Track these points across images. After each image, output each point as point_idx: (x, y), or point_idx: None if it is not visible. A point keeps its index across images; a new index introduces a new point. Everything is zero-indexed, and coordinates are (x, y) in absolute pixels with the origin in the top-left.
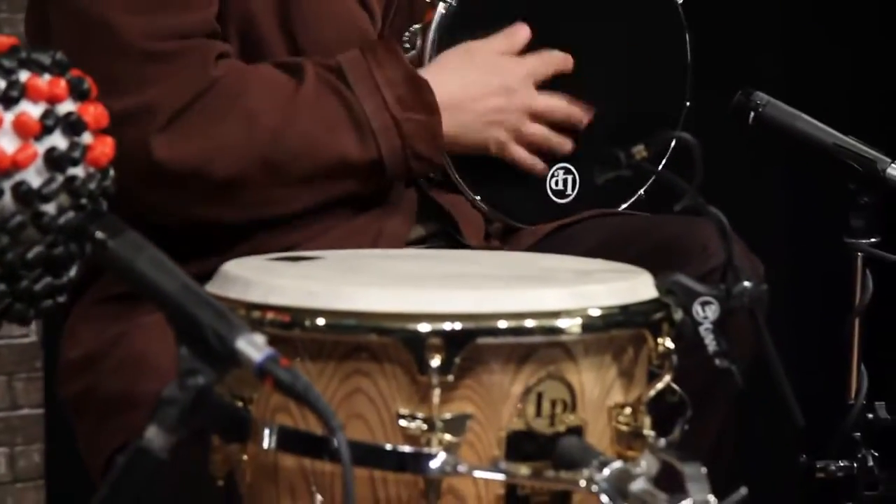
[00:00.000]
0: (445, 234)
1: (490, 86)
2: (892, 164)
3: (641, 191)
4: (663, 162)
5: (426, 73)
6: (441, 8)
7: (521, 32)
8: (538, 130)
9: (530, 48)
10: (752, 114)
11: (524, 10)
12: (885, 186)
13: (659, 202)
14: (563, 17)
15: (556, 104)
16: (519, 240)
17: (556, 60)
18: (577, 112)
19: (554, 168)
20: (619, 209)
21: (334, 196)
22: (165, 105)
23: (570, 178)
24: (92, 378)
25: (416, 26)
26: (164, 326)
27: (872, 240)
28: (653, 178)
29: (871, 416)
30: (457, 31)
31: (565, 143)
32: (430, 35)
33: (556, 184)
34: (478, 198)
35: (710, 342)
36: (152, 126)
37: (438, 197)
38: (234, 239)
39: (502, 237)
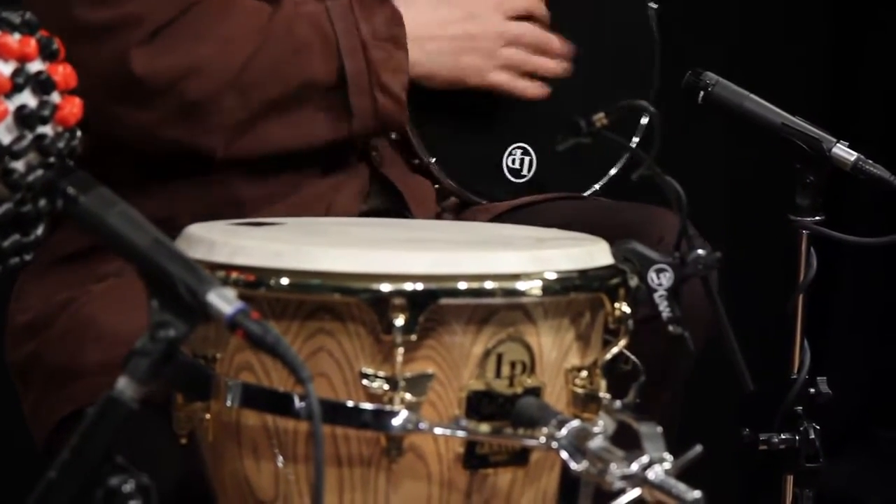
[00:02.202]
0: (395, 212)
1: (454, 14)
2: (838, 144)
3: (597, 185)
4: (636, 140)
5: (401, 5)
6: None
7: None
8: (515, 54)
9: None
10: (702, 93)
11: None
12: (830, 165)
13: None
14: None
15: (529, 28)
16: (473, 217)
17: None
18: (551, 38)
19: (512, 146)
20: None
21: (302, 130)
22: (148, 19)
23: (527, 158)
24: (38, 344)
25: None
26: (114, 294)
27: (817, 218)
28: (610, 174)
29: (812, 390)
30: None
31: (546, 63)
32: None
33: (513, 162)
34: (432, 160)
35: (664, 309)
36: (133, 38)
37: (390, 174)
38: (188, 188)
39: (456, 215)
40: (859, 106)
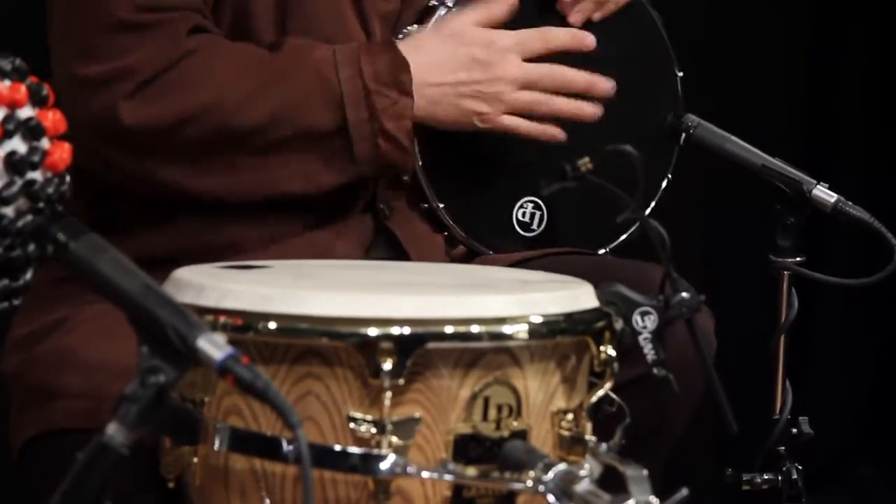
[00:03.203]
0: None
1: (458, 58)
2: (818, 186)
3: (608, 247)
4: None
5: (407, 51)
6: (441, 10)
7: (500, 3)
8: (530, 97)
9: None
10: (684, 135)
11: (518, 16)
12: (810, 207)
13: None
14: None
15: (549, 70)
16: None
17: (551, 36)
18: (577, 79)
19: (523, 199)
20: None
21: (304, 177)
22: (136, 72)
23: (538, 213)
24: (25, 360)
25: (413, 26)
26: (104, 320)
27: (798, 259)
28: (624, 235)
29: (795, 430)
30: None
31: (567, 106)
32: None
33: (524, 215)
34: (441, 205)
35: (649, 351)
36: (121, 92)
37: (396, 229)
38: (190, 230)
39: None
40: (840, 146)
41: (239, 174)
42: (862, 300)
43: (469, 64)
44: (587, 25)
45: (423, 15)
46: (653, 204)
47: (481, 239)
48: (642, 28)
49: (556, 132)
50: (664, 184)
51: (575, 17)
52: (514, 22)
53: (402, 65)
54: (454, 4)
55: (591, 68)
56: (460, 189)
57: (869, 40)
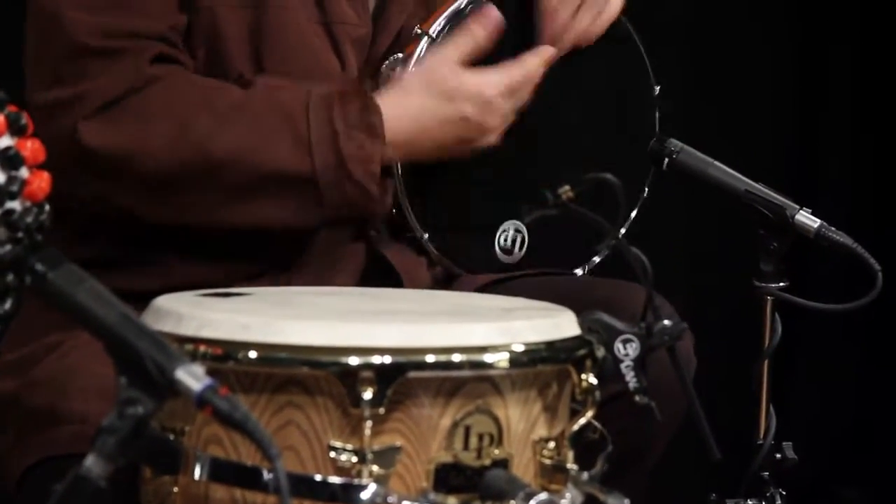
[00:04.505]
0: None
1: (448, 117)
2: (801, 211)
3: (586, 267)
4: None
5: (385, 104)
6: (424, 42)
7: (482, 25)
8: (509, 119)
9: None
10: (666, 160)
11: (503, 46)
12: (793, 232)
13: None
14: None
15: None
16: (457, 288)
17: (529, 67)
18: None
19: (505, 223)
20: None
21: (268, 217)
22: (96, 95)
23: (519, 237)
24: (19, 385)
25: (398, 55)
26: (98, 344)
27: (781, 284)
28: (602, 254)
29: (779, 455)
30: None
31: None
32: (409, 67)
33: (505, 240)
34: (425, 235)
35: (631, 379)
36: (80, 114)
37: (387, 254)
38: (181, 261)
39: (442, 284)
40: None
41: (196, 209)
42: (846, 324)
43: (458, 121)
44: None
45: (407, 44)
46: (624, 227)
47: (464, 265)
48: (623, 50)
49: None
50: (634, 212)
51: (561, 45)
52: (495, 55)
53: (373, 109)
54: (437, 36)
55: (568, 94)
56: (443, 217)
57: (855, 64)
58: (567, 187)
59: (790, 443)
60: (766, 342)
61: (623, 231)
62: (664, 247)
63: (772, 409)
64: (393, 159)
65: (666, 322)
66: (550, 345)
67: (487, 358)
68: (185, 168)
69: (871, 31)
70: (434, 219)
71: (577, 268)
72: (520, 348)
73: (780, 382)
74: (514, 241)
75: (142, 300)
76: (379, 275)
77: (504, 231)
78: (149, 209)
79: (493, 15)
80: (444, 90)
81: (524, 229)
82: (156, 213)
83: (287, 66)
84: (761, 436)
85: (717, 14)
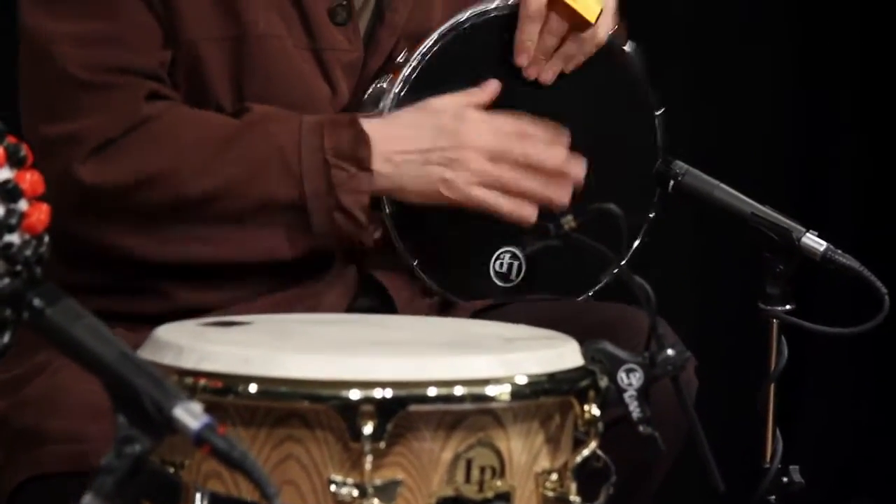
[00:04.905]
0: (383, 312)
1: (426, 126)
2: (807, 234)
3: (587, 294)
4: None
5: (368, 122)
6: (406, 70)
7: (483, 92)
8: (499, 171)
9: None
10: (672, 182)
11: (490, 76)
12: (800, 255)
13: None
14: (529, 85)
15: (518, 141)
16: (454, 314)
17: (525, 129)
18: (550, 160)
19: (500, 251)
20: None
21: (259, 245)
22: (93, 134)
23: (516, 263)
24: (7, 406)
25: (387, 77)
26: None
27: (787, 307)
28: (603, 281)
29: (785, 479)
30: (421, 91)
31: (540, 189)
32: (393, 92)
33: (501, 266)
34: (415, 262)
35: (634, 409)
36: (78, 152)
37: (378, 274)
38: (167, 293)
39: (439, 311)
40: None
41: (193, 244)
42: (854, 347)
43: (437, 131)
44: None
45: (392, 70)
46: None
47: (459, 293)
48: (621, 73)
49: (529, 213)
50: (638, 241)
51: (545, 75)
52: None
53: (362, 140)
54: (419, 64)
55: (566, 120)
56: (434, 246)
57: (862, 86)
58: (570, 217)
59: (797, 466)
60: (772, 365)
61: (626, 259)
62: (670, 268)
63: (778, 432)
64: (383, 187)
65: (669, 352)
66: (553, 376)
67: (489, 391)
68: (179, 203)
69: (874, 54)
70: (424, 247)
71: (578, 295)
72: (522, 380)
73: (788, 406)
74: (510, 267)
75: (140, 322)
76: (371, 295)
77: (498, 258)
78: (145, 244)
79: (492, 87)
80: (426, 107)
81: (520, 256)
82: (150, 248)
83: (272, 94)
84: (768, 459)
85: (723, 33)
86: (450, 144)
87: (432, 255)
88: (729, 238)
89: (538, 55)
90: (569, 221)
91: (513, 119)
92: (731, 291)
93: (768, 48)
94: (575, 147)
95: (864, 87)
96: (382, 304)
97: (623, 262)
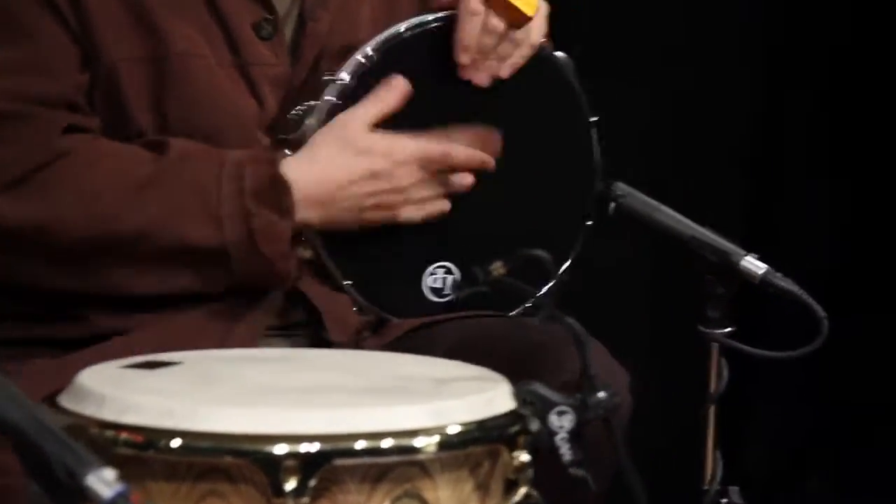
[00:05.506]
0: (312, 328)
1: (357, 171)
2: (747, 257)
3: (521, 307)
4: None
5: (294, 161)
6: (332, 88)
7: (392, 92)
8: (426, 192)
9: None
10: (613, 204)
11: (425, 86)
12: (739, 278)
13: None
14: (460, 106)
15: (442, 161)
16: (388, 331)
17: (454, 153)
18: (471, 160)
19: (434, 266)
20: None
21: (179, 285)
22: (5, 170)
23: (450, 277)
24: None
25: (307, 104)
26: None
27: (727, 330)
28: (537, 294)
29: (725, 500)
30: (358, 101)
31: (459, 180)
32: (315, 114)
33: (435, 281)
34: (348, 282)
35: (566, 451)
36: None
37: (307, 289)
38: (71, 314)
39: (374, 328)
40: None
41: (114, 279)
42: (797, 369)
43: (369, 176)
44: (499, 85)
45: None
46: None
47: (393, 310)
48: (559, 87)
49: (444, 206)
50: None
51: (480, 78)
52: (413, 98)
53: (282, 186)
54: (350, 79)
55: (501, 128)
56: (366, 264)
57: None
58: (499, 264)
59: (737, 488)
60: (713, 387)
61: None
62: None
63: (718, 454)
64: (311, 223)
65: (601, 394)
66: (482, 424)
67: (417, 442)
68: (95, 243)
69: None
70: (356, 266)
71: (511, 309)
72: (452, 430)
73: (732, 426)
74: (444, 282)
75: (62, 348)
76: (301, 310)
77: (433, 273)
78: (58, 281)
79: (400, 84)
80: (354, 147)
81: (455, 269)
82: (64, 285)
83: (195, 114)
84: (707, 481)
85: (673, 54)
86: (383, 188)
87: (364, 272)
88: (675, 259)
89: (475, 55)
90: (497, 268)
91: (440, 151)
92: (678, 313)
93: (720, 66)
94: (508, 154)
95: (822, 107)
96: (312, 319)
97: (551, 305)
